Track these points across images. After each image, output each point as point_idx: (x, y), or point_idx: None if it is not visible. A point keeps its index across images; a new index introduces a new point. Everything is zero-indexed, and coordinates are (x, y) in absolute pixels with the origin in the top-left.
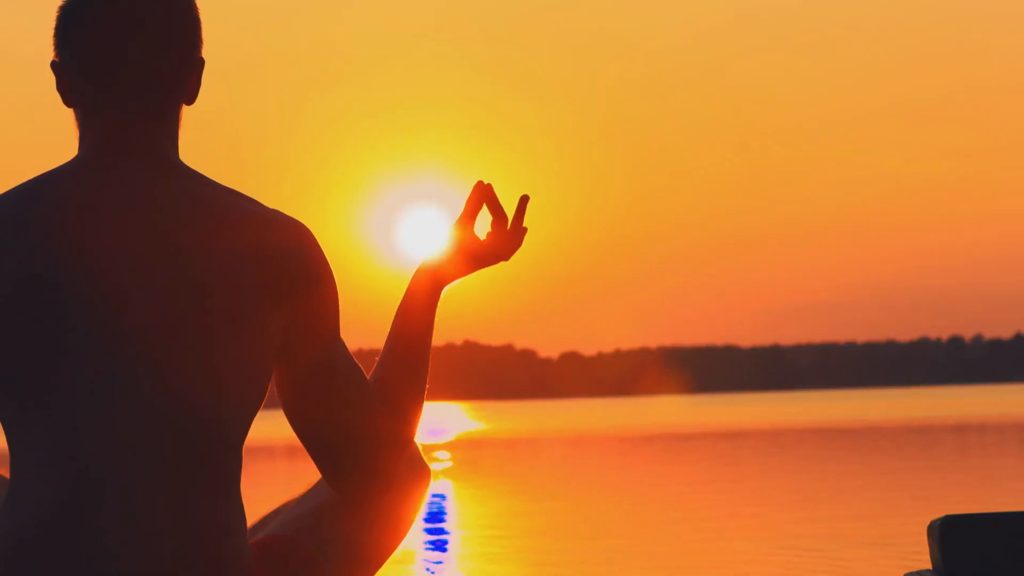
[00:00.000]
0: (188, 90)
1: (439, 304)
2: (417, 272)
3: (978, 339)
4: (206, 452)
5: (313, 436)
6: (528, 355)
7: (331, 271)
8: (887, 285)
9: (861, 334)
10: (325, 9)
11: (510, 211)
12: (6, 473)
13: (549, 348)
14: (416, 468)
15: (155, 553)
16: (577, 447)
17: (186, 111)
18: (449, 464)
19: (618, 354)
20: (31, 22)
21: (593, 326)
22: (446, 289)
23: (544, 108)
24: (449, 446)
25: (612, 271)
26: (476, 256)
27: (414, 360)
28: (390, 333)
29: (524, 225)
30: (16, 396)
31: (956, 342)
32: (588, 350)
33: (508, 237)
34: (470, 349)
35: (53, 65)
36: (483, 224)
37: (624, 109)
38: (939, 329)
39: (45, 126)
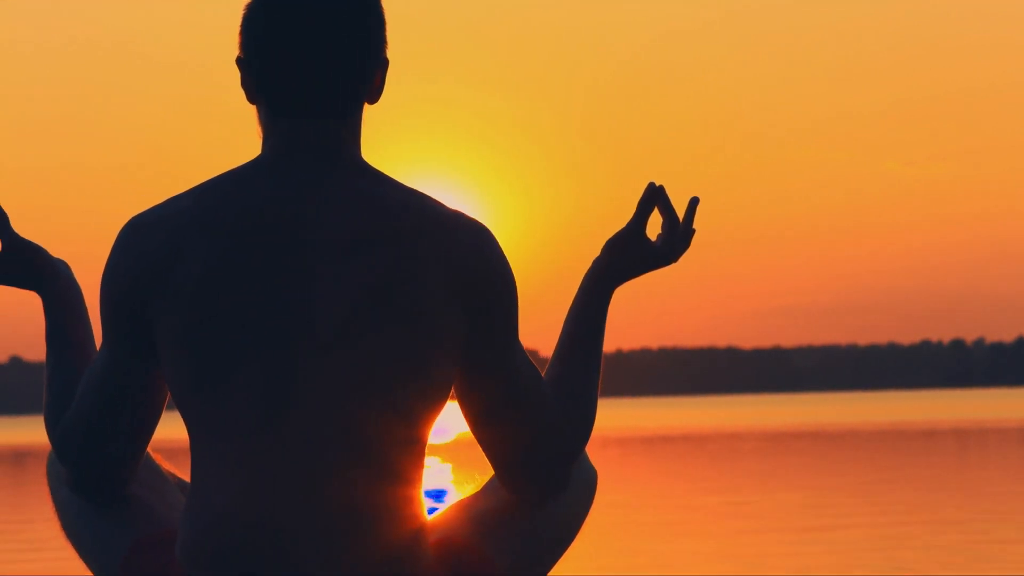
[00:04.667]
0: (372, 90)
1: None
2: (588, 273)
3: (980, 342)
4: (387, 453)
5: (491, 439)
6: (529, 355)
7: (512, 274)
8: (889, 287)
9: (863, 336)
10: None
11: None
12: (186, 476)
13: (550, 348)
14: (584, 469)
15: (336, 554)
16: None
17: (195, 111)
18: (450, 464)
19: (619, 355)
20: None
21: None
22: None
23: (534, 110)
24: (450, 446)
25: None
26: (647, 258)
27: (588, 362)
28: (562, 335)
29: (693, 227)
30: (199, 396)
31: (958, 345)
32: None
33: (678, 239)
34: None
35: (238, 61)
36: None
37: (623, 108)
38: (941, 332)
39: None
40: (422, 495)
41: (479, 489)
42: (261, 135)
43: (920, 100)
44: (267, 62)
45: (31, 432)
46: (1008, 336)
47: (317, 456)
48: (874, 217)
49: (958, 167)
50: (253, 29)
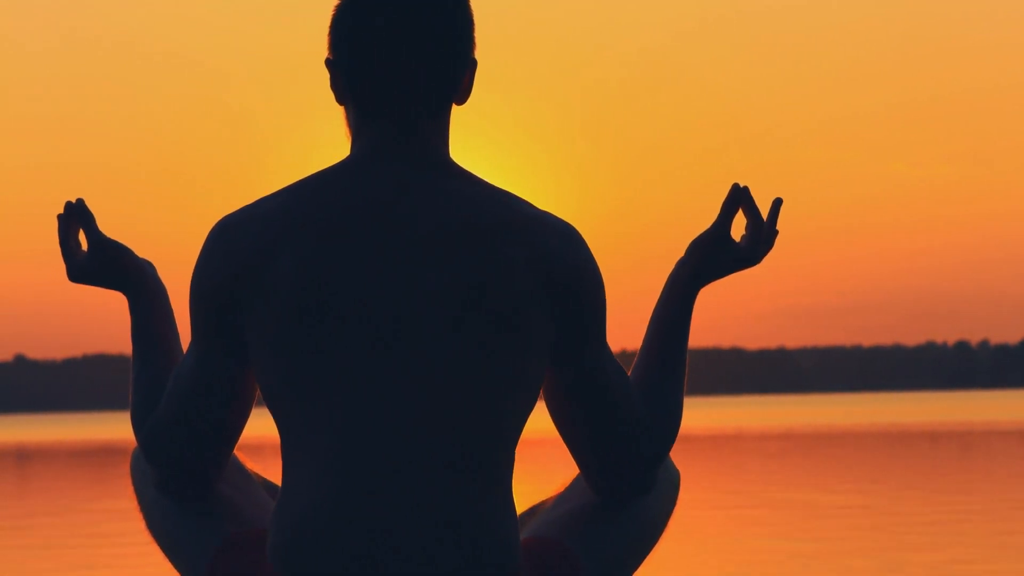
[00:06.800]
0: (461, 90)
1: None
2: (673, 273)
3: (985, 344)
4: (479, 453)
5: (578, 439)
6: None
7: (601, 275)
8: (894, 288)
9: (867, 337)
10: (316, 18)
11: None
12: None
13: None
14: (668, 469)
15: (428, 553)
16: None
17: (193, 111)
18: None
19: (623, 356)
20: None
21: None
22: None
23: (536, 109)
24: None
25: (613, 271)
26: (731, 259)
27: (674, 363)
28: (647, 335)
29: (776, 228)
30: (291, 394)
31: (962, 347)
32: None
33: (762, 240)
34: None
35: (328, 63)
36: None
37: (626, 108)
38: (945, 333)
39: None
40: (512, 493)
41: (565, 488)
42: (349, 136)
43: (927, 101)
44: (358, 64)
45: (34, 431)
46: (1013, 337)
47: (411, 455)
48: (880, 218)
49: (964, 168)
50: (343, 30)
